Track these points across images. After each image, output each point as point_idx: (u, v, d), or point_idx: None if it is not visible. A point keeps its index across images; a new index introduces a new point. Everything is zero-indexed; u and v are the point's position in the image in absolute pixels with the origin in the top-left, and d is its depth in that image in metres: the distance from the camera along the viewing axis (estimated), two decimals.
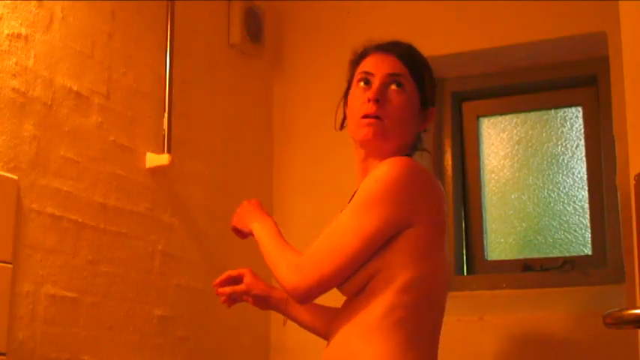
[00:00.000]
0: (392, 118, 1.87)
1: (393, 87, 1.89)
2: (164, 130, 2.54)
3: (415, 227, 1.76)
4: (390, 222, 1.74)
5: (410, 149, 1.95)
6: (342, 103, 2.00)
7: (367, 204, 1.76)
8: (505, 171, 3.01)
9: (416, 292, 1.75)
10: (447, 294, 1.88)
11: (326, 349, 1.86)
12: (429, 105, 1.95)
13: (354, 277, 1.78)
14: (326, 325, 1.98)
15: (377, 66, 1.91)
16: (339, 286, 1.82)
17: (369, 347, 1.73)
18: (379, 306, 1.74)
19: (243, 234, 2.08)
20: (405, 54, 1.93)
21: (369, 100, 1.87)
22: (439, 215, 1.81)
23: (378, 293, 1.75)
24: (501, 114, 3.04)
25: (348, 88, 1.98)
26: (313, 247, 1.81)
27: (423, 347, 1.78)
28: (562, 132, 2.94)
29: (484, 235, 2.96)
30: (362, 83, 1.91)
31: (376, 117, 1.86)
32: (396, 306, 1.73)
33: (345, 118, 2.00)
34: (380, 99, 1.87)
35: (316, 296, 1.82)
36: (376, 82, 1.89)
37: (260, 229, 1.96)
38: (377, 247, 1.75)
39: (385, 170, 1.77)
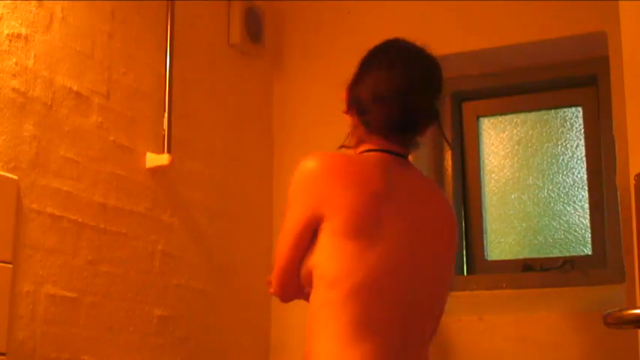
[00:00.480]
0: None
1: None
2: (164, 130, 2.54)
3: (328, 220, 1.79)
4: (304, 218, 1.81)
5: (356, 138, 1.95)
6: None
7: (289, 204, 1.87)
8: (505, 171, 3.01)
9: (340, 288, 1.75)
10: (397, 286, 1.80)
11: None
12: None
13: (302, 275, 1.86)
14: None
15: None
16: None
17: (316, 346, 1.77)
18: (314, 302, 1.80)
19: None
20: None
21: None
22: (358, 208, 1.79)
23: (315, 288, 1.81)
24: (501, 114, 3.04)
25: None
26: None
27: (360, 341, 1.73)
28: (562, 132, 2.94)
29: (484, 235, 2.96)
30: None
31: None
32: (325, 302, 1.76)
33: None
34: None
35: (285, 295, 1.95)
36: None
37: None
38: (304, 244, 1.83)
39: (299, 168, 1.88)
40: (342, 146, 1.95)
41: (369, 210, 1.80)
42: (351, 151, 1.94)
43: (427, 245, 1.88)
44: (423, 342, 1.86)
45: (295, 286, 1.89)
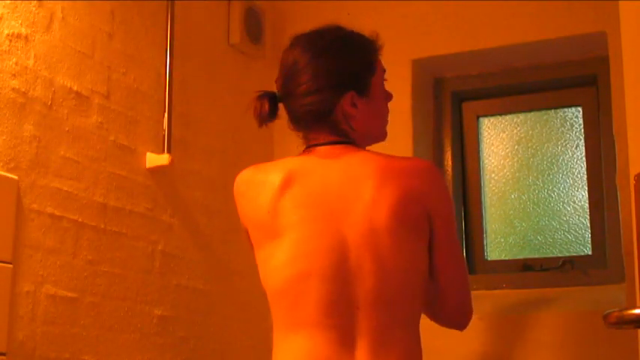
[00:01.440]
0: None
1: None
2: (164, 130, 2.54)
3: (249, 232, 1.88)
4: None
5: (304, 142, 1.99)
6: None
7: None
8: (505, 171, 3.01)
9: (267, 290, 1.84)
10: (302, 286, 1.75)
11: None
12: None
13: None
14: None
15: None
16: None
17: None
18: None
19: None
20: None
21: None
22: (258, 214, 1.83)
23: None
24: (501, 114, 3.04)
25: (368, 78, 1.91)
26: None
27: (284, 341, 1.78)
28: (562, 132, 2.94)
29: (484, 235, 2.96)
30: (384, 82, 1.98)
31: None
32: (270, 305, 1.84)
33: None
34: None
35: None
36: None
37: None
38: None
39: None
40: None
41: (265, 216, 1.82)
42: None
43: (358, 227, 1.76)
44: (384, 333, 1.72)
45: None
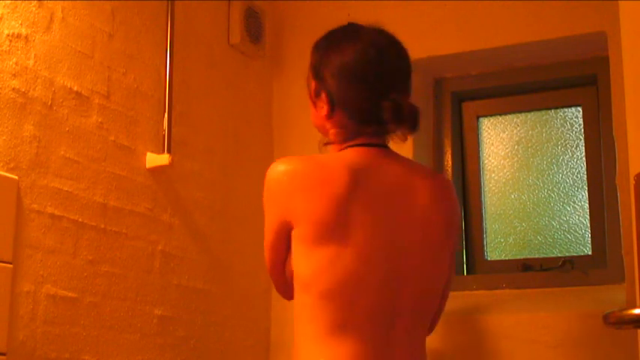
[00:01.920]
0: None
1: None
2: (164, 130, 2.54)
3: (297, 227, 1.79)
4: (275, 228, 1.84)
5: (341, 139, 1.88)
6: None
7: (264, 212, 1.89)
8: (505, 171, 3.01)
9: (314, 291, 1.76)
10: (372, 287, 1.78)
11: None
12: (319, 92, 1.90)
13: (288, 276, 1.89)
14: None
15: None
16: None
17: (297, 347, 1.82)
18: (295, 303, 1.83)
19: None
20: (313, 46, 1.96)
21: None
22: (325, 212, 1.75)
23: (295, 292, 1.84)
24: (501, 114, 3.04)
25: None
26: None
27: (342, 343, 1.74)
28: (562, 132, 2.94)
29: (484, 235, 2.96)
30: None
31: None
32: (302, 306, 1.80)
33: None
34: None
35: (282, 294, 1.97)
36: None
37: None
38: (280, 248, 1.85)
39: (266, 175, 1.87)
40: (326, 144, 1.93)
41: (332, 215, 1.76)
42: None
43: (412, 236, 1.82)
44: (413, 339, 1.83)
45: (285, 284, 1.92)
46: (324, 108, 1.88)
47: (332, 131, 1.89)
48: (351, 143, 1.86)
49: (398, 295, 1.79)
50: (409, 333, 1.82)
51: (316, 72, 1.91)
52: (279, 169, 1.83)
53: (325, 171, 1.79)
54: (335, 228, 1.76)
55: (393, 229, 1.81)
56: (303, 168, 1.81)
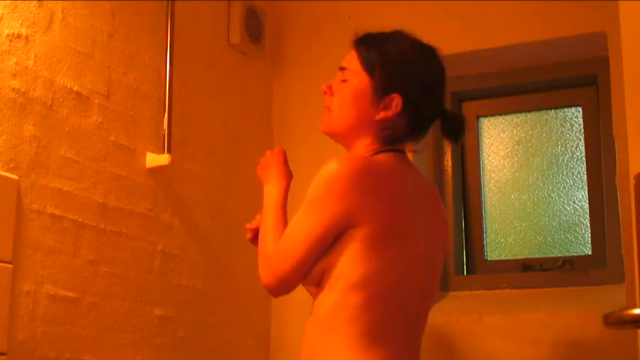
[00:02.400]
0: (334, 110, 1.93)
1: (340, 79, 1.93)
2: (164, 130, 2.54)
3: (359, 227, 1.75)
4: (332, 223, 1.76)
5: (386, 141, 1.89)
6: None
7: (313, 204, 1.79)
8: (505, 171, 3.01)
9: (363, 292, 1.74)
10: (417, 291, 1.83)
11: (302, 343, 1.86)
12: (388, 91, 1.87)
13: (311, 272, 1.81)
14: None
15: (341, 61, 1.97)
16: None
17: (328, 346, 1.75)
18: (328, 303, 1.77)
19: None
20: (363, 41, 1.93)
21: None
22: (391, 215, 1.78)
23: (328, 290, 1.78)
24: (501, 114, 3.04)
25: None
26: (279, 241, 1.85)
27: (377, 347, 1.74)
28: (562, 132, 2.94)
29: (484, 235, 2.96)
30: None
31: (327, 109, 1.95)
32: (344, 305, 1.75)
33: None
34: (327, 91, 1.96)
35: (285, 293, 1.88)
36: (336, 76, 1.96)
37: (269, 193, 2.00)
38: (325, 245, 1.78)
39: (330, 169, 1.79)
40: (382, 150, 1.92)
41: (397, 218, 1.80)
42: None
43: (430, 249, 1.88)
44: (420, 345, 1.89)
45: (297, 284, 1.86)
46: (391, 108, 1.87)
47: (383, 133, 1.89)
48: (390, 147, 1.90)
49: (419, 307, 1.86)
50: (421, 336, 1.89)
51: (387, 71, 1.89)
52: (350, 166, 1.79)
53: (398, 178, 1.84)
54: (397, 230, 1.79)
55: (427, 235, 1.87)
56: (375, 168, 1.81)
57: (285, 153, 2.07)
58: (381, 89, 1.87)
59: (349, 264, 1.75)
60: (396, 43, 1.93)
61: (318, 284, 1.82)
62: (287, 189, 1.99)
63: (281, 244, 1.83)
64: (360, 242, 1.75)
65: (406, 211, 1.82)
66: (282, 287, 1.85)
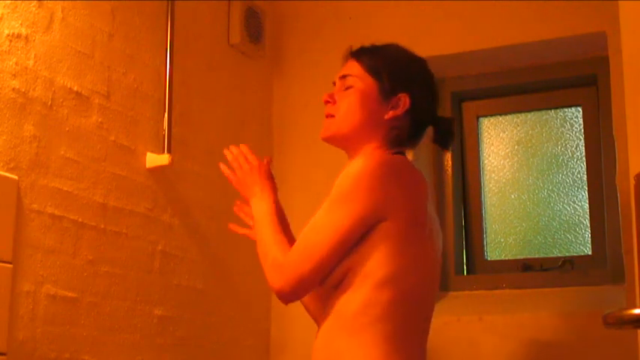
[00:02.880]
0: (340, 114, 1.93)
1: (344, 87, 1.95)
2: (164, 130, 2.54)
3: (389, 221, 1.76)
4: (361, 217, 1.75)
5: (392, 143, 1.92)
6: None
7: (339, 200, 1.78)
8: (505, 171, 3.01)
9: (393, 289, 1.75)
10: (432, 291, 1.88)
11: (314, 344, 1.85)
12: (395, 92, 1.91)
13: (333, 273, 1.79)
14: (318, 313, 1.97)
15: (338, 73, 1.99)
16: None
17: (352, 346, 1.74)
18: (356, 301, 1.75)
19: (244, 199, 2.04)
20: (362, 52, 1.97)
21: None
22: (416, 210, 1.81)
23: (355, 288, 1.76)
24: (501, 114, 3.04)
25: None
26: (295, 245, 1.82)
27: (406, 345, 1.76)
28: (562, 132, 2.94)
29: (484, 235, 2.96)
30: None
31: (330, 116, 1.95)
32: (373, 303, 1.74)
33: None
34: (329, 100, 1.96)
35: (301, 296, 1.86)
36: (334, 87, 1.99)
37: (258, 207, 1.96)
38: (352, 242, 1.76)
39: (357, 166, 1.79)
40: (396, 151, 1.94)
41: (424, 215, 1.83)
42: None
43: (437, 249, 1.93)
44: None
45: (313, 287, 1.83)
46: (399, 107, 1.91)
47: (390, 134, 1.91)
48: (396, 150, 1.92)
49: (432, 307, 1.91)
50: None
51: (393, 72, 1.94)
52: (380, 163, 1.80)
53: (413, 172, 1.86)
54: (421, 228, 1.82)
55: (436, 235, 1.92)
56: (401, 165, 1.84)
57: (269, 164, 2.05)
58: (388, 90, 1.92)
59: (379, 261, 1.75)
60: (395, 50, 2.00)
61: (336, 286, 1.80)
62: (276, 201, 1.97)
63: (297, 247, 1.80)
64: (390, 238, 1.76)
65: (426, 210, 1.85)
66: (298, 291, 1.81)
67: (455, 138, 2.03)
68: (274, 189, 2.00)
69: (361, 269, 1.76)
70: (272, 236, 1.87)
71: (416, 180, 1.85)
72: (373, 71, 1.93)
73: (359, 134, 1.92)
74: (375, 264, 1.75)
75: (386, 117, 1.90)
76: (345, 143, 1.95)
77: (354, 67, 1.95)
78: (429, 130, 2.00)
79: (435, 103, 2.00)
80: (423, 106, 1.94)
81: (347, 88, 1.94)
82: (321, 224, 1.79)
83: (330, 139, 1.97)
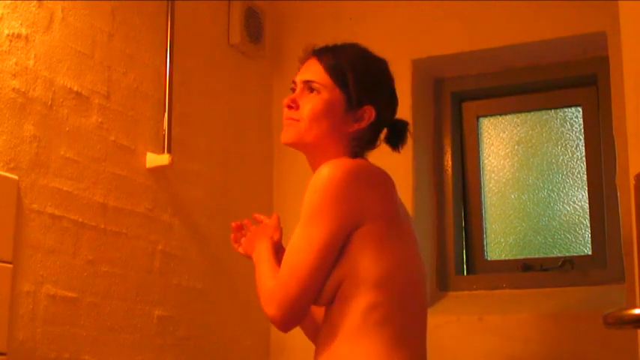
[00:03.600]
0: (304, 121, 1.90)
1: (307, 92, 1.92)
2: (164, 130, 2.55)
3: (365, 225, 1.75)
4: (337, 227, 1.74)
5: (353, 152, 1.91)
6: None
7: (312, 215, 1.76)
8: (505, 171, 3.01)
9: (388, 289, 1.74)
10: (423, 287, 1.85)
11: (313, 357, 1.84)
12: (361, 104, 1.89)
13: (324, 288, 1.77)
14: (315, 332, 1.95)
15: (300, 74, 1.97)
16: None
17: (357, 351, 1.72)
18: (355, 310, 1.74)
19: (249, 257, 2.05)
20: (326, 56, 1.94)
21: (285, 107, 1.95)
22: (389, 209, 1.80)
23: (350, 298, 1.74)
24: (501, 114, 3.04)
25: None
26: (280, 270, 1.80)
27: (410, 342, 1.76)
28: (562, 132, 2.94)
29: (484, 235, 2.96)
30: (291, 92, 1.98)
31: (291, 120, 1.92)
32: (374, 306, 1.73)
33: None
34: (292, 105, 1.93)
35: (295, 321, 1.82)
36: (296, 90, 1.95)
37: (257, 252, 1.95)
38: (333, 256, 1.75)
39: (322, 177, 1.78)
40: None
41: (397, 216, 1.82)
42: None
43: (418, 248, 1.91)
44: None
45: (307, 308, 1.81)
46: (364, 120, 1.90)
47: (352, 143, 1.91)
48: (359, 156, 1.92)
49: (427, 297, 1.92)
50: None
51: (360, 84, 1.91)
52: (343, 169, 1.78)
53: (381, 172, 1.85)
54: (399, 226, 1.81)
55: (413, 234, 1.91)
56: (365, 168, 1.83)
57: (278, 218, 2.06)
58: (354, 102, 1.89)
59: (368, 265, 1.74)
60: (360, 55, 1.96)
61: (331, 301, 1.78)
62: (278, 243, 1.96)
63: (282, 271, 1.79)
64: (373, 241, 1.75)
65: (399, 209, 1.84)
66: (291, 315, 1.78)
67: (407, 138, 2.00)
68: (269, 238, 1.98)
69: (353, 278, 1.75)
70: (267, 270, 1.87)
71: (382, 179, 1.83)
72: (339, 80, 1.90)
73: (321, 144, 1.90)
74: (366, 269, 1.74)
75: (350, 130, 1.89)
76: (307, 150, 1.94)
77: (319, 73, 1.92)
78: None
79: (395, 109, 1.98)
80: (385, 116, 1.93)
81: (311, 92, 1.91)
82: (299, 244, 1.77)
83: (292, 145, 1.94)
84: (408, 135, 1.99)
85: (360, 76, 1.91)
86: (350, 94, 1.89)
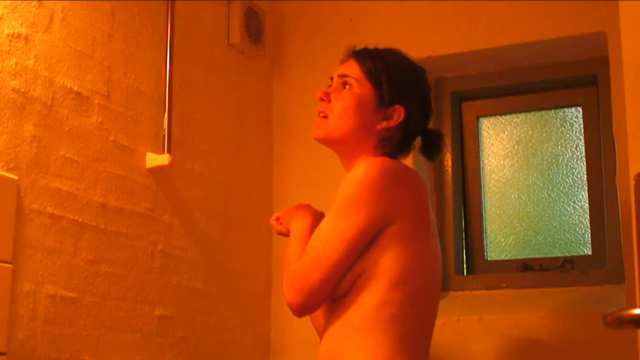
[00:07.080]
0: (334, 115, 1.93)
1: (341, 88, 1.94)
2: (164, 130, 2.54)
3: (396, 224, 1.78)
4: (369, 222, 1.77)
5: (384, 149, 1.93)
6: None
7: (346, 207, 1.78)
8: (505, 171, 3.01)
9: (405, 289, 1.77)
10: (438, 290, 1.90)
11: (319, 348, 1.86)
12: (392, 103, 1.92)
13: (344, 279, 1.79)
14: (322, 324, 1.98)
15: (338, 71, 1.99)
16: None
17: (363, 344, 1.74)
18: (368, 303, 1.76)
19: (281, 232, 2.04)
20: (364, 55, 1.96)
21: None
22: (421, 211, 1.84)
23: (367, 291, 1.77)
24: (501, 114, 3.04)
25: None
26: (303, 256, 1.82)
27: (416, 343, 1.78)
28: (562, 132, 2.94)
29: (484, 235, 2.96)
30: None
31: (323, 116, 1.94)
32: (386, 303, 1.75)
33: None
34: (324, 98, 1.95)
35: (312, 308, 1.84)
36: (332, 86, 1.97)
37: (294, 225, 1.95)
38: (361, 248, 1.77)
39: (360, 171, 1.80)
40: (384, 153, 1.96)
41: (427, 217, 1.85)
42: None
43: (439, 250, 1.95)
44: None
45: (325, 297, 1.83)
46: (393, 119, 1.92)
47: (382, 143, 1.93)
48: (390, 154, 1.94)
49: (439, 299, 1.96)
50: None
51: (393, 83, 1.93)
52: (379, 166, 1.81)
53: (417, 175, 1.87)
54: (428, 227, 1.85)
55: (437, 236, 1.95)
56: (402, 167, 1.86)
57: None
58: (385, 99, 1.92)
59: (390, 263, 1.77)
60: (397, 58, 1.99)
61: (345, 294, 1.80)
62: (315, 222, 1.93)
63: (306, 258, 1.80)
64: (399, 240, 1.78)
65: (429, 209, 1.87)
66: (310, 302, 1.81)
67: (442, 148, 2.04)
68: (316, 213, 1.98)
69: (373, 272, 1.77)
70: (296, 251, 1.87)
71: (418, 182, 1.86)
72: (372, 77, 1.93)
73: (350, 140, 1.93)
74: (387, 266, 1.77)
75: (378, 127, 1.92)
76: (336, 146, 1.96)
77: (354, 69, 1.95)
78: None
79: (428, 117, 2.00)
80: (416, 120, 1.95)
81: (344, 88, 1.94)
82: (328, 233, 1.79)
83: (321, 141, 1.98)
84: (444, 146, 2.02)
85: (394, 76, 1.94)
86: (382, 91, 1.92)
